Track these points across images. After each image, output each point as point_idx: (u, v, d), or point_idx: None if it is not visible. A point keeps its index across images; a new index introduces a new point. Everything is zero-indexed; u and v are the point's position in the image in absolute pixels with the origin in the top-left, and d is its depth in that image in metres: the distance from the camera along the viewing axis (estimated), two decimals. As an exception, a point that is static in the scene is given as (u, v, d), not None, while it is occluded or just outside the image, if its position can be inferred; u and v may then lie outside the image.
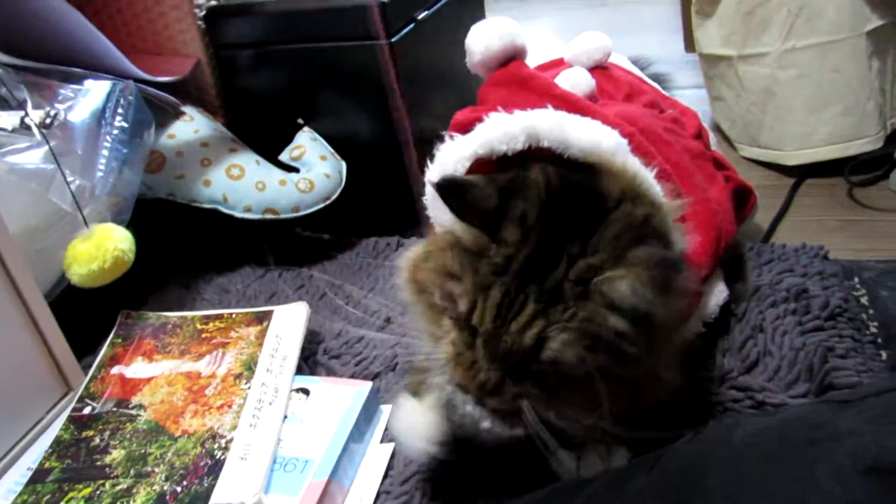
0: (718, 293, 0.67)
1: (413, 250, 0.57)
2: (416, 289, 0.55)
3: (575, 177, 0.51)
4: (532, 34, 0.74)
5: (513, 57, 0.68)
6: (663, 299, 0.45)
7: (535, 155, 0.53)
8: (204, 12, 0.97)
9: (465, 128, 0.59)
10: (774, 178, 1.05)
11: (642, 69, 1.02)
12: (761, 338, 0.68)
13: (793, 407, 0.49)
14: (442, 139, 0.58)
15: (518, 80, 0.66)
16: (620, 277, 0.45)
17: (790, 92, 1.00)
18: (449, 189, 0.50)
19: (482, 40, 0.67)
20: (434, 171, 0.58)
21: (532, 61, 0.72)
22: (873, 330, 0.71)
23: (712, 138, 0.88)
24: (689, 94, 1.29)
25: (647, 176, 0.53)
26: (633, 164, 0.53)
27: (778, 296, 0.72)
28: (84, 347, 0.78)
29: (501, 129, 0.54)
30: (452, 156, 0.56)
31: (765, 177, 1.06)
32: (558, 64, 0.86)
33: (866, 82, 0.96)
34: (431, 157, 0.59)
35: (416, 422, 0.56)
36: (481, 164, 0.55)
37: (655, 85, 0.93)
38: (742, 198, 0.81)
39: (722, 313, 0.69)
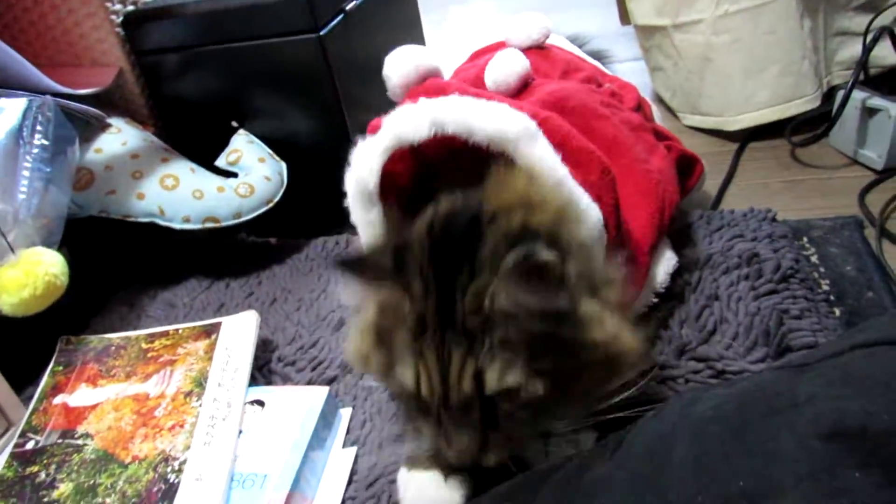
0: (667, 261, 0.67)
1: (352, 343, 0.55)
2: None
3: (457, 205, 0.51)
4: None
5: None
6: (553, 292, 0.44)
7: (446, 143, 0.53)
8: (121, 18, 0.93)
9: None
10: (718, 145, 1.06)
11: (580, 46, 1.02)
12: (717, 305, 0.68)
13: (752, 376, 0.49)
14: (354, 143, 0.58)
15: (435, 89, 0.65)
16: (498, 290, 0.45)
17: (726, 57, 1.00)
18: (347, 268, 0.50)
19: (399, 69, 0.68)
20: (351, 176, 0.58)
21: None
22: (825, 288, 0.71)
23: (655, 111, 0.88)
24: (629, 66, 1.29)
25: (550, 164, 0.52)
26: (539, 151, 0.53)
27: (730, 262, 0.72)
28: (23, 379, 0.74)
29: (408, 121, 0.54)
30: (366, 155, 0.56)
31: (709, 144, 1.06)
32: (499, 46, 0.84)
33: (800, 42, 0.97)
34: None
35: (429, 495, 0.54)
36: (396, 159, 0.55)
37: (594, 61, 0.92)
38: (687, 166, 0.81)
39: (674, 283, 0.68)
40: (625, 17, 1.22)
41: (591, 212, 0.53)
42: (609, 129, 0.65)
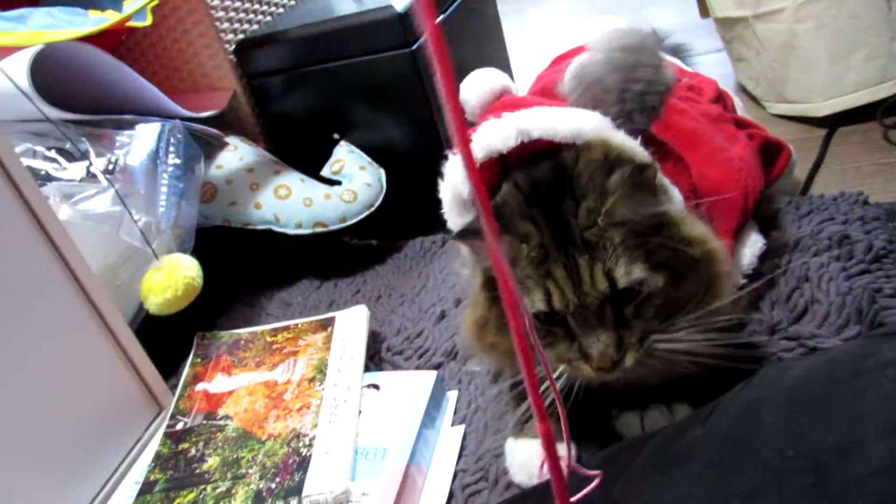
0: (753, 243, 0.70)
1: (466, 320, 0.62)
2: (490, 349, 0.60)
3: (534, 167, 0.58)
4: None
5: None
6: (654, 198, 0.54)
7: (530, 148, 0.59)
8: (234, 46, 1.03)
9: None
10: (806, 132, 1.06)
11: (661, 41, 1.04)
12: (807, 287, 0.69)
13: (839, 346, 0.51)
14: (446, 157, 0.66)
15: (512, 103, 0.71)
16: (612, 205, 0.52)
17: (811, 44, 1.01)
18: (466, 236, 0.58)
19: (475, 91, 0.80)
20: (446, 186, 0.65)
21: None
22: (920, 267, 0.72)
23: (737, 101, 0.90)
24: (710, 58, 1.30)
25: (630, 145, 0.58)
26: (619, 136, 0.58)
27: (820, 244, 0.74)
28: (166, 371, 0.84)
29: (496, 133, 0.59)
30: (459, 167, 0.63)
31: (796, 131, 1.07)
32: (578, 51, 0.89)
33: (886, 24, 0.96)
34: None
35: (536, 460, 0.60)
36: (485, 167, 0.61)
37: (671, 58, 0.95)
38: (773, 153, 0.83)
39: (763, 266, 0.71)
40: (704, 10, 1.23)
41: (672, 191, 0.57)
42: (687, 123, 0.69)
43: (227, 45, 1.03)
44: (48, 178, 0.78)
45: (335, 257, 1.04)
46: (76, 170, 0.79)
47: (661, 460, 0.46)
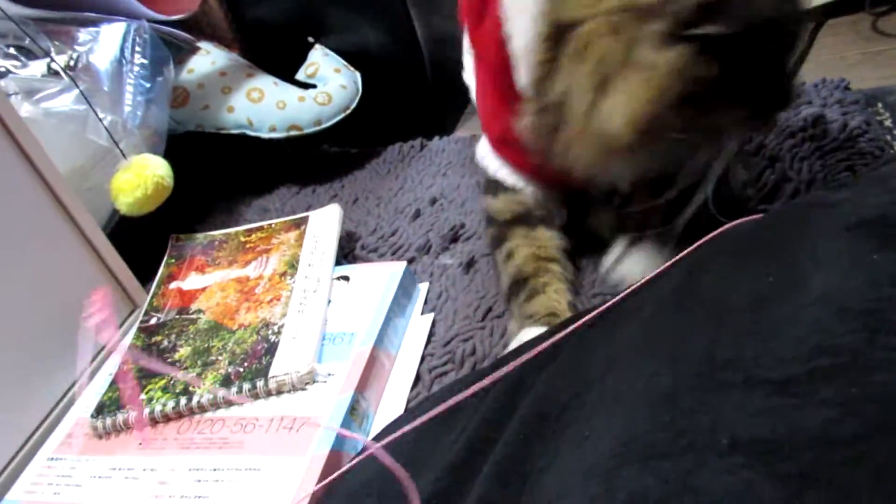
0: None
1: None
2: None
3: None
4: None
5: None
6: None
7: None
8: (203, -54, 1.00)
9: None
10: (794, 25, 1.02)
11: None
12: (778, 166, 0.68)
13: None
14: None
15: None
16: None
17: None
18: None
19: None
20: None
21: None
22: (896, 149, 0.70)
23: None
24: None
25: None
26: None
27: (795, 125, 0.72)
28: (143, 275, 0.84)
29: None
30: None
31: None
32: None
33: None
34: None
35: None
36: None
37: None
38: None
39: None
40: None
41: None
42: None
43: (195, -54, 0.99)
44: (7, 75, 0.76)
45: (313, 164, 1.04)
46: (37, 67, 0.77)
47: (610, 318, 0.46)
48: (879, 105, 0.77)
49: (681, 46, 0.47)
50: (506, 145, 0.68)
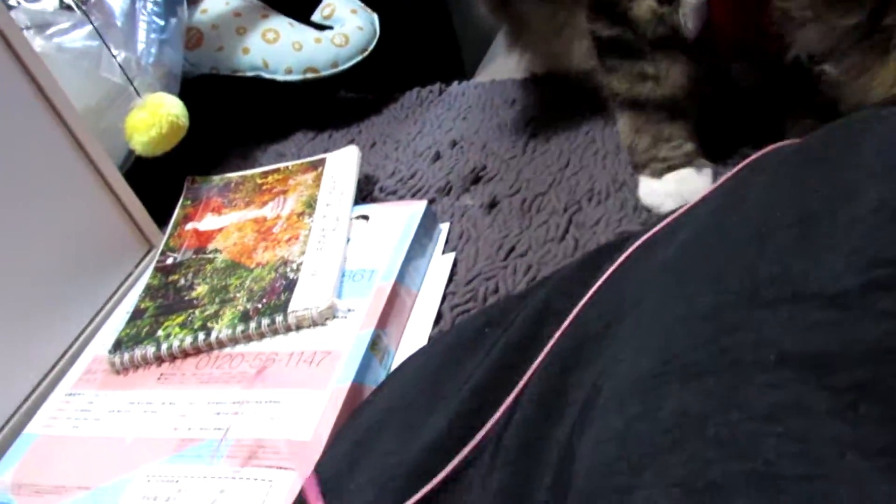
0: None
1: None
2: None
3: None
4: None
5: None
6: None
7: None
8: None
9: None
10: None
11: None
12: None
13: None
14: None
15: None
16: None
17: None
18: None
19: None
20: None
21: None
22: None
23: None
24: None
25: None
26: None
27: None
28: (159, 217, 0.83)
29: None
30: None
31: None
32: None
33: None
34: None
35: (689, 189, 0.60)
36: None
37: None
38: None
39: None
40: None
41: None
42: None
43: None
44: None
45: (329, 110, 1.01)
46: (48, 1, 0.75)
47: (647, 244, 0.44)
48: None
49: None
50: None
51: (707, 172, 0.62)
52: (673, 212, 0.47)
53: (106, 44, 0.76)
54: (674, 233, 0.43)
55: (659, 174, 0.62)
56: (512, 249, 0.66)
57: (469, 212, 0.73)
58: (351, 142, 0.93)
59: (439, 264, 0.67)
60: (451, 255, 0.68)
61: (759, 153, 0.45)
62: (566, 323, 0.43)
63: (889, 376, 0.29)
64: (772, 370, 0.31)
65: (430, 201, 0.76)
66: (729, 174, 0.46)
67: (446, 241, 0.70)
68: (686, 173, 0.61)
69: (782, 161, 0.41)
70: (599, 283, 0.43)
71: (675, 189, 0.61)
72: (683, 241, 0.41)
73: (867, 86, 0.49)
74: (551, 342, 0.42)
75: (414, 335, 0.60)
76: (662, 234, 0.44)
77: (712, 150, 0.66)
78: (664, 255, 0.42)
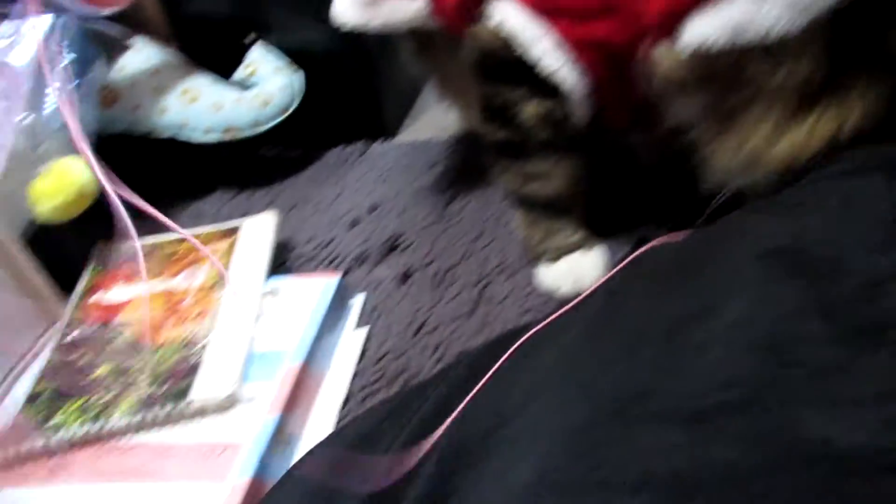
0: None
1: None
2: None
3: None
4: None
5: None
6: None
7: None
8: (135, -63, 0.95)
9: None
10: None
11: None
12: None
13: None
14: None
15: None
16: None
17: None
18: None
19: None
20: None
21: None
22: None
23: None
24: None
25: None
26: None
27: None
28: (65, 285, 0.80)
29: None
30: None
31: None
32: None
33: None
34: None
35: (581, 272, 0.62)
36: None
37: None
38: None
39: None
40: None
41: None
42: None
43: (126, -63, 0.95)
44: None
45: (251, 168, 1.00)
46: (-53, 65, 0.73)
47: (532, 345, 0.45)
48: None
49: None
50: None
51: (599, 253, 0.64)
52: (562, 305, 0.48)
53: (11, 107, 0.73)
54: (562, 332, 0.44)
55: (553, 261, 0.64)
56: (422, 325, 0.67)
57: (383, 283, 0.73)
58: (270, 203, 0.92)
59: (351, 340, 0.67)
60: (364, 331, 0.67)
61: (641, 250, 0.47)
62: (448, 424, 0.43)
63: (737, 501, 0.30)
64: (636, 491, 0.32)
65: (346, 272, 0.75)
66: (614, 270, 0.48)
67: (360, 315, 0.70)
68: (578, 257, 0.63)
69: (658, 266, 0.42)
70: (484, 382, 0.43)
71: (569, 272, 0.63)
72: (566, 345, 0.42)
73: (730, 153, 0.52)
74: (434, 440, 0.42)
75: (321, 419, 0.60)
76: (549, 332, 0.45)
77: (611, 226, 0.68)
78: (549, 357, 0.42)
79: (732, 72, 0.48)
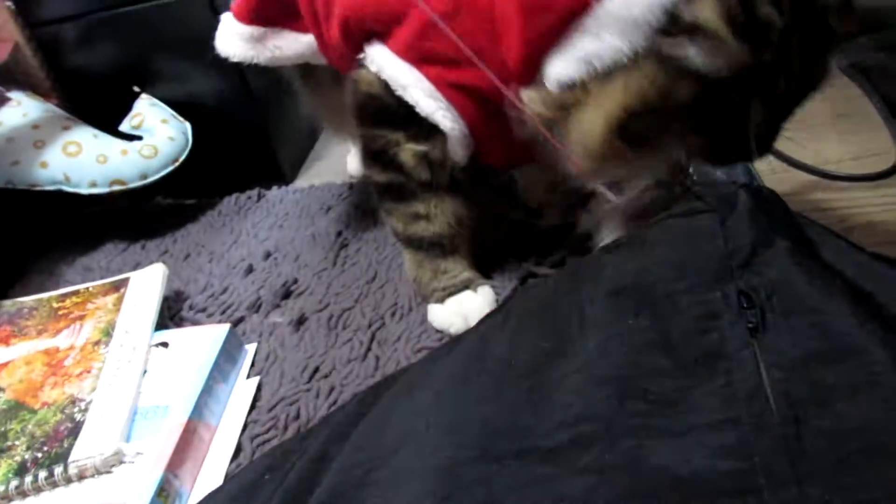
0: None
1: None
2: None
3: None
4: None
5: None
6: None
7: None
8: (10, -9, 0.93)
9: None
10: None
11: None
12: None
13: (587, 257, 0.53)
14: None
15: None
16: None
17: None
18: None
19: None
20: None
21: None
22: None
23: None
24: None
25: None
26: None
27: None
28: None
29: None
30: None
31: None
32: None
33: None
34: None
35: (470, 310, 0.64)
36: None
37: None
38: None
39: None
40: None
41: None
42: None
43: (2, -9, 0.93)
44: None
45: (143, 217, 0.99)
46: None
47: (409, 384, 0.46)
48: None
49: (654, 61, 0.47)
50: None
51: (485, 291, 0.66)
52: (433, 351, 0.49)
53: None
54: (432, 374, 0.45)
55: (442, 300, 0.66)
56: (316, 370, 0.67)
57: (277, 330, 0.73)
58: (164, 253, 0.91)
59: (242, 390, 0.66)
60: (256, 380, 0.67)
61: (513, 295, 0.49)
62: (332, 467, 0.44)
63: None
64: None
65: (239, 320, 0.75)
66: (494, 308, 0.50)
67: (252, 364, 0.70)
68: (466, 296, 0.65)
69: (526, 304, 0.45)
70: (361, 428, 0.44)
71: (458, 311, 0.65)
72: (438, 388, 0.43)
73: None
74: (317, 491, 0.43)
75: (211, 473, 0.59)
76: (424, 374, 0.47)
77: (497, 264, 0.71)
78: (421, 399, 0.44)
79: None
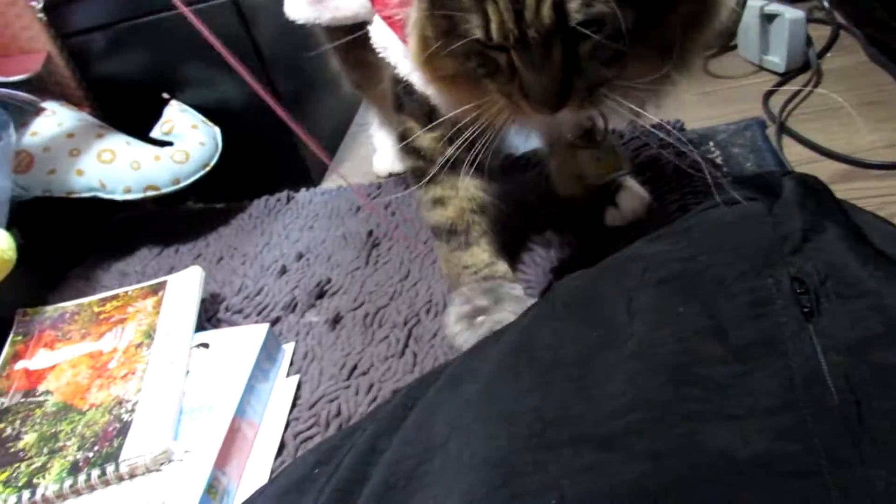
0: None
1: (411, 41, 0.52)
2: (437, 76, 0.53)
3: None
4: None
5: None
6: None
7: None
8: (41, 5, 0.95)
9: None
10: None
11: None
12: (621, 209, 0.73)
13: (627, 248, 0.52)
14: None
15: None
16: None
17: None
18: None
19: None
20: None
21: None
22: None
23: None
24: None
25: None
26: None
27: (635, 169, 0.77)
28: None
29: None
30: None
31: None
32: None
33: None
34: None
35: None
36: None
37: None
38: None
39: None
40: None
41: None
42: None
43: (34, 3, 0.95)
44: None
45: (176, 222, 1.00)
46: None
47: (455, 378, 0.47)
48: (710, 143, 0.84)
49: None
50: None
51: (517, 288, 0.66)
52: (478, 344, 0.50)
53: (-83, 181, 0.72)
54: (479, 368, 0.46)
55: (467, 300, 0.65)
56: (355, 367, 0.68)
57: (314, 329, 0.74)
58: (197, 257, 0.92)
59: (283, 388, 0.67)
60: (295, 378, 0.68)
61: (554, 287, 0.49)
62: (382, 460, 0.44)
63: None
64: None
65: (276, 320, 0.76)
66: (528, 307, 0.50)
67: (291, 362, 0.71)
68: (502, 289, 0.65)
69: (569, 296, 0.45)
70: (409, 422, 0.45)
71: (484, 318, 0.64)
72: (485, 380, 0.44)
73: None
74: (369, 484, 0.43)
75: (256, 469, 0.60)
76: (470, 366, 0.47)
77: (526, 258, 0.71)
78: (469, 391, 0.44)
79: None
